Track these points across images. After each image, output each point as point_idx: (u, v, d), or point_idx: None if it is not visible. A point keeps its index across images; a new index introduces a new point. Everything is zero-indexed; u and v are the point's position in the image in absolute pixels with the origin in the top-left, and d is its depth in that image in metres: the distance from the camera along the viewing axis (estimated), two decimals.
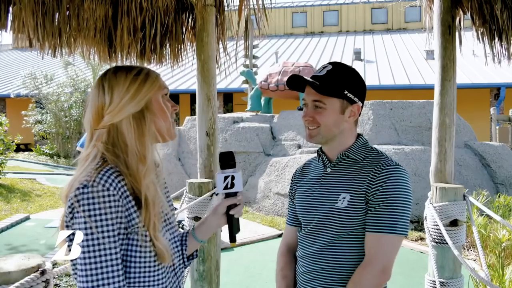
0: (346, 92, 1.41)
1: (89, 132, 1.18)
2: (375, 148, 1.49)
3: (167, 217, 1.25)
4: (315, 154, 1.59)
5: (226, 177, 1.31)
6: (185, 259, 1.34)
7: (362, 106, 1.47)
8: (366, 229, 1.36)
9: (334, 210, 1.39)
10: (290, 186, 1.65)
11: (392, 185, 1.34)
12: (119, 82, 1.17)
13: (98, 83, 1.20)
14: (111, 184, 1.06)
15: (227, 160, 1.33)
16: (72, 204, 1.05)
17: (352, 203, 1.37)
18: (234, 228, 1.33)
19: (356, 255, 1.38)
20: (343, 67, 1.44)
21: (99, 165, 1.10)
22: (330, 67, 1.43)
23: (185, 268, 1.36)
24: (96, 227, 1.03)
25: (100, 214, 1.03)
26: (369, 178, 1.37)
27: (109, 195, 1.05)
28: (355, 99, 1.43)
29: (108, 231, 1.04)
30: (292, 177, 1.65)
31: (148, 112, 1.18)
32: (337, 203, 1.39)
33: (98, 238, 1.03)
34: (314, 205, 1.46)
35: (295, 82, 1.47)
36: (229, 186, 1.31)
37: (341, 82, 1.41)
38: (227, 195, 1.32)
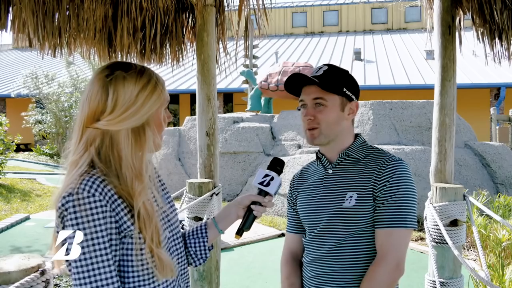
0: (344, 89, 1.44)
1: (79, 129, 1.11)
2: (375, 146, 1.50)
3: (164, 215, 1.21)
4: (314, 155, 1.59)
5: (267, 175, 1.34)
6: (205, 251, 1.34)
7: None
8: (376, 225, 1.35)
9: (342, 210, 1.38)
10: (289, 193, 1.62)
11: (398, 179, 1.35)
12: (126, 91, 1.10)
13: (102, 83, 1.11)
14: (96, 190, 1.03)
15: (276, 164, 1.37)
16: (61, 213, 1.03)
17: (360, 201, 1.36)
18: (246, 222, 1.32)
19: (366, 253, 1.37)
20: (337, 67, 1.49)
21: (83, 171, 1.06)
22: (326, 67, 1.46)
23: (204, 261, 1.35)
24: (85, 234, 1.01)
25: (88, 221, 1.01)
26: (375, 175, 1.37)
27: (95, 201, 1.02)
28: (353, 96, 1.47)
29: (98, 237, 1.02)
30: (291, 184, 1.63)
31: (149, 127, 1.13)
32: (344, 202, 1.38)
33: (88, 246, 1.01)
34: (319, 208, 1.44)
35: (292, 85, 1.49)
36: (265, 183, 1.33)
37: (339, 80, 1.45)
38: (259, 192, 1.34)
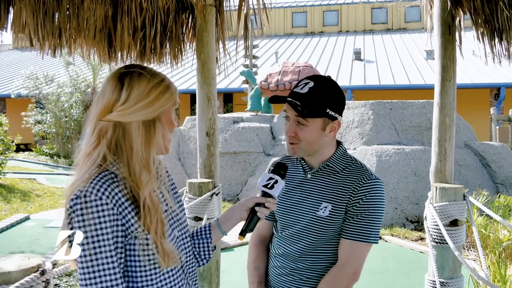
0: (328, 110, 1.42)
1: (92, 123, 1.15)
2: (354, 158, 1.54)
3: (174, 214, 1.24)
4: None
5: (271, 178, 1.38)
6: (208, 252, 1.37)
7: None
8: (342, 236, 1.45)
9: (315, 218, 1.46)
10: None
11: (371, 199, 1.43)
12: (141, 84, 1.15)
13: (117, 78, 1.16)
14: (103, 193, 1.05)
15: (280, 169, 1.41)
16: (69, 214, 1.06)
17: (333, 213, 1.44)
18: (250, 223, 1.34)
19: (331, 258, 1.48)
20: (324, 82, 1.44)
21: (94, 172, 1.09)
22: (312, 83, 1.42)
23: (207, 261, 1.38)
24: (92, 236, 1.03)
25: (95, 224, 1.04)
26: (351, 190, 1.44)
27: (102, 204, 1.05)
28: (336, 115, 1.45)
29: (103, 240, 1.04)
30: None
31: (159, 122, 1.17)
32: (318, 211, 1.46)
33: (94, 248, 1.04)
34: (295, 211, 1.51)
35: (278, 96, 1.48)
36: (269, 186, 1.37)
37: (324, 101, 1.41)
38: (263, 194, 1.37)
